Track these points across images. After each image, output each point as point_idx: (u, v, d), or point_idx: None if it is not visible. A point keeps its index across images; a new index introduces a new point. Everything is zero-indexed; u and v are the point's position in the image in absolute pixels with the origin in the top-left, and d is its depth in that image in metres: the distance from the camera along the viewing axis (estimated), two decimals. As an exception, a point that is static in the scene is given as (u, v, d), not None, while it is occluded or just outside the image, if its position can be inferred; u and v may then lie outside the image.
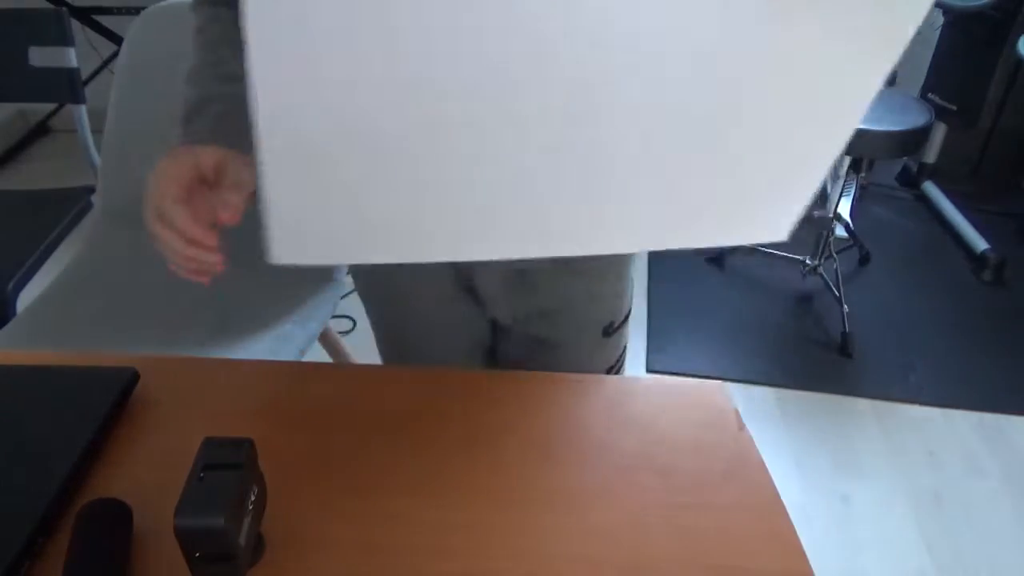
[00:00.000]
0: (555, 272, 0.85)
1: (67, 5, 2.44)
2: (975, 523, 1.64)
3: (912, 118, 2.01)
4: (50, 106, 2.96)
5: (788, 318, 2.24)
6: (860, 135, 1.98)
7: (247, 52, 0.34)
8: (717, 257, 2.43)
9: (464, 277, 0.90)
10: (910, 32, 0.35)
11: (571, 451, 0.61)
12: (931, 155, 2.80)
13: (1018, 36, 2.10)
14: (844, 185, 2.21)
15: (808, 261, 2.26)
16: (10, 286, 1.25)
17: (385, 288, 0.91)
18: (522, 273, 0.86)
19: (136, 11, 1.32)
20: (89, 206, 1.43)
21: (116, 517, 0.53)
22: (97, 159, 1.40)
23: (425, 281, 0.90)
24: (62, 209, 1.42)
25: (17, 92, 1.52)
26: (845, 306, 2.12)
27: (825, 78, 0.36)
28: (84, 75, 1.53)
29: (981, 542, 1.60)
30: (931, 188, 2.78)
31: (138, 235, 1.32)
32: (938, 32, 2.68)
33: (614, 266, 0.86)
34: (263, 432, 0.56)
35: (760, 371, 2.03)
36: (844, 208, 2.54)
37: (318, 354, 1.41)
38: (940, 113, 2.54)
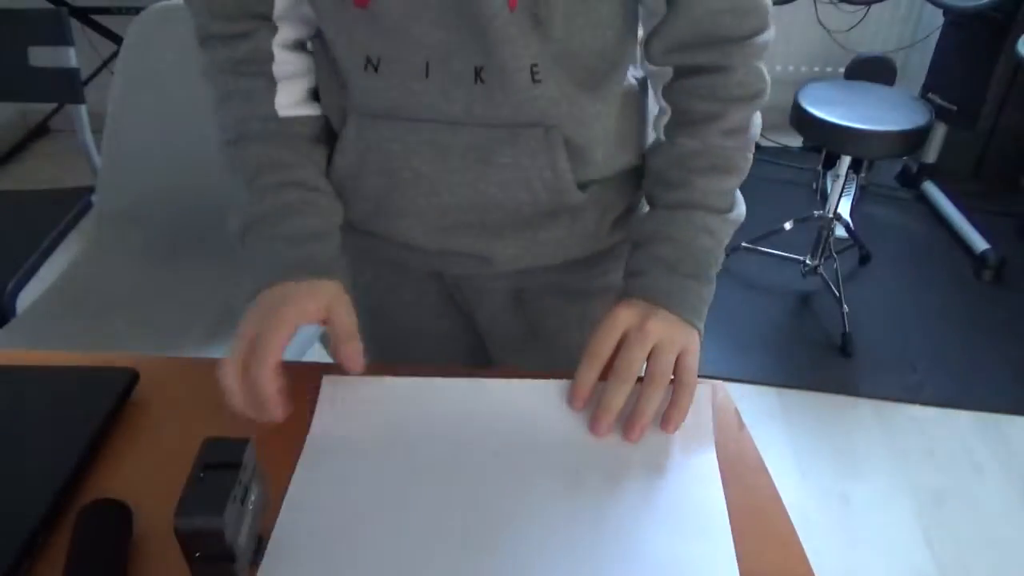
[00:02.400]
0: (551, 296, 0.85)
1: (67, 5, 2.44)
2: (975, 522, 1.64)
3: (912, 118, 2.01)
4: (50, 106, 2.96)
5: (788, 318, 2.24)
6: (860, 135, 1.98)
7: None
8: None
9: (459, 298, 0.90)
10: None
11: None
12: (931, 155, 2.80)
13: (1018, 36, 2.10)
14: (844, 185, 2.21)
15: (808, 261, 2.26)
16: (10, 286, 1.25)
17: (373, 298, 0.90)
18: (517, 295, 0.86)
19: (136, 11, 1.32)
20: (89, 206, 1.43)
21: (116, 517, 0.53)
22: (97, 159, 1.40)
23: (418, 298, 0.90)
24: (62, 209, 1.42)
25: (17, 92, 1.53)
26: (845, 306, 2.12)
27: None
28: (84, 75, 1.53)
29: (981, 541, 1.60)
30: (931, 188, 2.78)
31: (138, 235, 1.33)
32: (938, 32, 2.68)
33: (612, 291, 0.87)
34: (263, 432, 0.56)
35: (760, 371, 2.03)
36: (844, 208, 2.54)
37: (318, 354, 1.41)
38: (940, 113, 2.54)
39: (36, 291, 1.26)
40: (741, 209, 0.73)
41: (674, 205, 0.70)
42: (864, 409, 1.93)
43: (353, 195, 0.76)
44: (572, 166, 0.71)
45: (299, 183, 0.70)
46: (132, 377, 0.67)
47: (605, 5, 0.66)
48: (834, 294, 2.17)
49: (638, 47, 0.74)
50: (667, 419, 0.62)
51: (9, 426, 0.62)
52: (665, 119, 0.72)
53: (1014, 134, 2.71)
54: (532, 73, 0.65)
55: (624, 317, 0.65)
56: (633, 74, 0.76)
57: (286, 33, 0.69)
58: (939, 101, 2.62)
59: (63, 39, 1.44)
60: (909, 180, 2.88)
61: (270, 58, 0.69)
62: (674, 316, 0.65)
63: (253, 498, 0.50)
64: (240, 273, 0.68)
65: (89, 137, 1.50)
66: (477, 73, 0.65)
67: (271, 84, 0.70)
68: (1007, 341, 2.15)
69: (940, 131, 2.72)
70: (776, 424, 1.88)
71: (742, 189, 0.73)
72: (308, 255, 0.67)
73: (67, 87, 1.46)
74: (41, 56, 1.46)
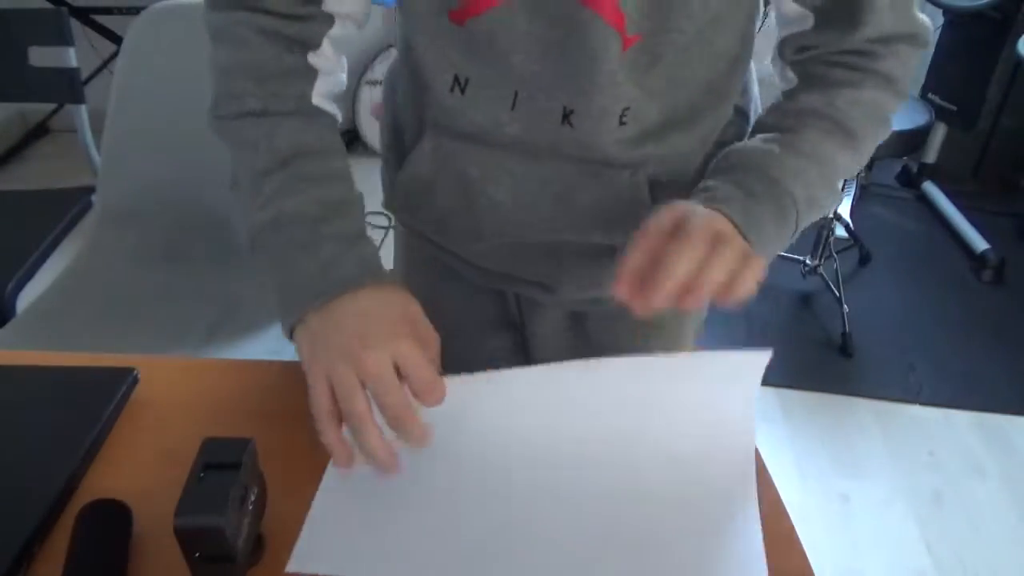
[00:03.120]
0: (612, 322, 0.81)
1: (67, 5, 2.44)
2: (975, 523, 1.64)
3: (912, 118, 2.01)
4: (50, 106, 2.96)
5: (788, 318, 2.24)
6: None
7: None
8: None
9: (515, 316, 0.87)
10: None
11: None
12: (931, 155, 2.80)
13: (1018, 36, 2.10)
14: (844, 185, 2.21)
15: (808, 261, 2.26)
16: (10, 286, 1.25)
17: (423, 304, 0.85)
18: (577, 317, 0.83)
19: (136, 11, 1.32)
20: (89, 206, 1.43)
21: (116, 517, 0.53)
22: (97, 159, 1.40)
23: (472, 314, 0.86)
24: (62, 209, 1.42)
25: (17, 92, 1.52)
26: (845, 306, 2.12)
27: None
28: (84, 75, 1.53)
29: (981, 542, 1.60)
30: (931, 188, 2.78)
31: (138, 235, 1.33)
32: (938, 32, 2.68)
33: (675, 322, 0.83)
34: (263, 432, 0.56)
35: (760, 371, 2.03)
36: (844, 208, 2.54)
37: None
38: (940, 113, 2.54)
39: (36, 291, 1.26)
40: (840, 196, 0.65)
41: (781, 144, 0.62)
42: (864, 409, 1.93)
43: (420, 208, 0.73)
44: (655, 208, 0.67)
45: (340, 176, 0.63)
46: (132, 377, 0.67)
47: (720, 37, 0.62)
48: (834, 294, 2.17)
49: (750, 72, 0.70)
50: (727, 291, 0.51)
51: (9, 426, 0.62)
52: (784, 86, 0.66)
53: (1014, 134, 2.71)
54: (620, 116, 0.61)
55: (682, 208, 0.55)
56: (736, 102, 0.71)
57: (336, 27, 0.64)
58: (939, 101, 2.62)
59: (63, 39, 1.44)
60: (909, 180, 2.88)
61: (316, 47, 0.63)
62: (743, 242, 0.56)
63: (253, 498, 0.50)
64: (261, 264, 0.60)
65: (89, 137, 1.50)
66: (566, 115, 0.62)
67: (312, 70, 0.64)
68: (1007, 341, 2.15)
69: (940, 131, 2.72)
70: (776, 424, 1.88)
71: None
72: (364, 257, 0.58)
73: (67, 87, 1.46)
74: (41, 56, 1.46)
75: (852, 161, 0.65)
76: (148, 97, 1.31)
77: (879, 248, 2.48)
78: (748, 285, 0.51)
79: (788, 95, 0.65)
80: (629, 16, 0.56)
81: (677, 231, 0.52)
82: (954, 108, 2.59)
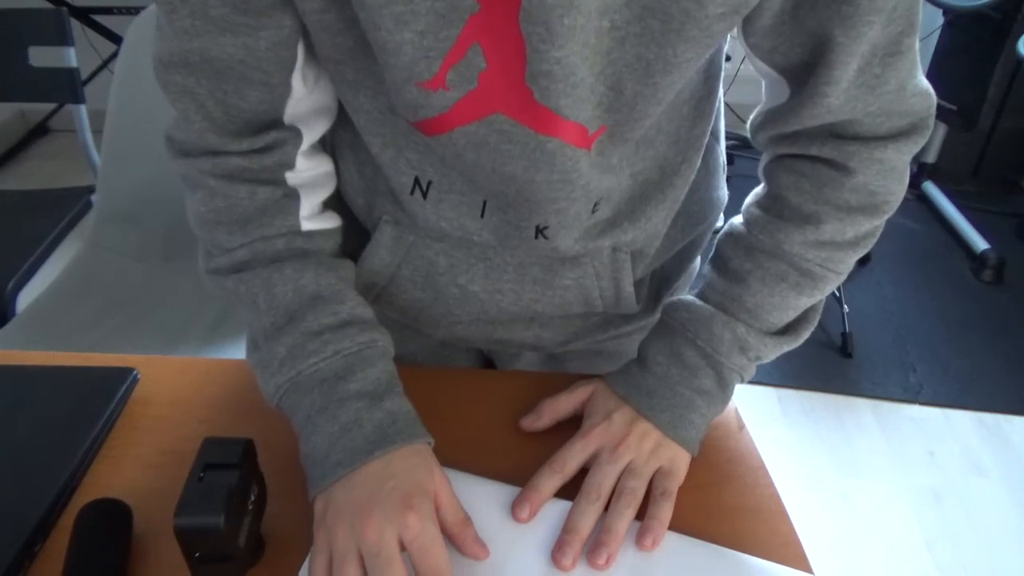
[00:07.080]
0: (588, 356, 0.80)
1: (67, 5, 2.44)
2: (975, 523, 1.64)
3: (912, 118, 2.00)
4: (50, 106, 2.96)
5: (788, 318, 2.23)
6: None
7: None
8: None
9: (487, 357, 0.86)
10: None
11: (571, 451, 0.61)
12: (931, 155, 2.80)
13: (1018, 36, 2.10)
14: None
15: (808, 261, 2.26)
16: (10, 286, 1.25)
17: (410, 347, 0.78)
18: (555, 358, 0.82)
19: (136, 11, 1.32)
20: (89, 206, 1.43)
21: (116, 517, 0.53)
22: (97, 159, 1.40)
23: (440, 358, 0.83)
24: (62, 209, 1.42)
25: (17, 92, 1.52)
26: (845, 306, 2.12)
27: None
28: (84, 75, 1.53)
29: (981, 542, 1.60)
30: (931, 188, 2.78)
31: (138, 235, 1.33)
32: (938, 32, 2.68)
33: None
34: (263, 432, 0.56)
35: (760, 371, 2.02)
36: (844, 208, 2.54)
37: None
38: (940, 113, 2.52)
39: (36, 291, 1.26)
40: (802, 333, 0.63)
41: (718, 304, 0.61)
42: (864, 409, 1.93)
43: (381, 298, 0.67)
44: (634, 274, 0.65)
45: (353, 321, 0.57)
46: (132, 377, 0.67)
47: (685, 87, 0.56)
48: (834, 294, 2.17)
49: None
50: (644, 530, 0.54)
51: (9, 426, 0.62)
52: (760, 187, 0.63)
53: (1014, 134, 2.71)
54: (593, 208, 0.58)
55: (599, 436, 0.58)
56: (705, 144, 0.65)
57: (305, 141, 0.58)
58: (939, 101, 2.61)
59: (63, 39, 1.44)
60: (909, 180, 2.88)
61: (291, 167, 0.58)
62: (663, 435, 0.59)
63: (253, 498, 0.50)
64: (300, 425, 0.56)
65: (89, 137, 1.50)
66: (539, 231, 0.58)
67: (292, 193, 0.58)
68: (1007, 341, 2.15)
69: (940, 131, 2.72)
70: (776, 424, 1.88)
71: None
72: (390, 412, 0.54)
73: (67, 87, 1.46)
74: (41, 56, 1.46)
75: (811, 297, 0.61)
76: (148, 97, 1.31)
77: (879, 248, 2.46)
78: (660, 528, 0.54)
79: (746, 212, 0.63)
80: (591, 123, 0.51)
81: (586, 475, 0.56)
82: (954, 108, 2.59)
